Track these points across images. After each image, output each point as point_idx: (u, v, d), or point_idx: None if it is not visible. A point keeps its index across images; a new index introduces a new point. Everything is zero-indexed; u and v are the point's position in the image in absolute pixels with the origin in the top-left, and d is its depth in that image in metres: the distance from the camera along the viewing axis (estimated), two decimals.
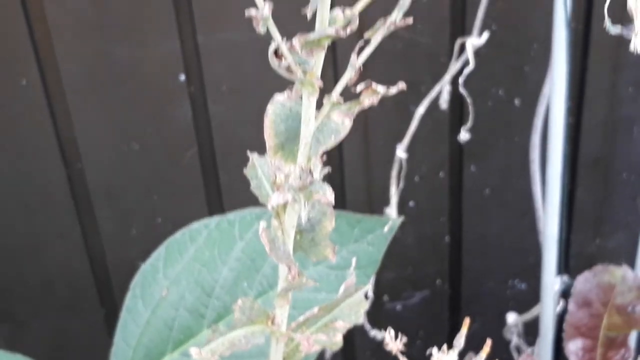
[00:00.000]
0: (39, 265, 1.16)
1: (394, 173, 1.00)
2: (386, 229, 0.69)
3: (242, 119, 1.06)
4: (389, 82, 0.44)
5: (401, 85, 0.46)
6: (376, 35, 0.44)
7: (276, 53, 0.42)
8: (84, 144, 1.06)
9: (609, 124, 1.15)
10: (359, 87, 0.46)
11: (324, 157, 0.47)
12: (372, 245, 0.69)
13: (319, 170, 0.47)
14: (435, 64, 1.04)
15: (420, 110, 0.95)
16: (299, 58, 0.43)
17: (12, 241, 1.14)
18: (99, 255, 1.16)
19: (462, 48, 0.94)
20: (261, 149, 0.48)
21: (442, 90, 0.96)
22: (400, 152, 0.96)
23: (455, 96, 1.01)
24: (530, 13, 1.04)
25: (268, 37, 0.43)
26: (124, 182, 1.10)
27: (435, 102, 0.99)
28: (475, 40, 0.89)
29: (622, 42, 1.06)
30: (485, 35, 0.90)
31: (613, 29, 0.34)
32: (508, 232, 1.23)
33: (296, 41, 0.43)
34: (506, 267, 1.27)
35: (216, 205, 1.13)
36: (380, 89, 0.46)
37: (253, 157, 0.50)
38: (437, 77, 1.03)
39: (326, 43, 0.42)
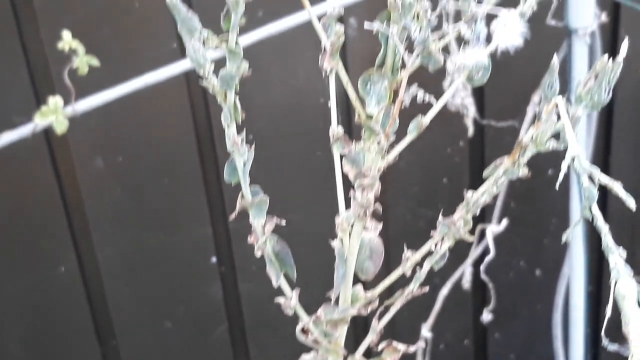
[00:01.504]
0: None
1: (420, 352, 1.02)
2: None
3: (272, 295, 1.09)
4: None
5: (421, 344, 0.49)
6: (396, 303, 0.47)
7: (303, 329, 0.46)
8: (119, 323, 1.09)
9: None
10: (381, 346, 0.49)
11: None
12: None
13: None
14: (457, 242, 1.07)
15: (444, 291, 0.98)
16: (324, 330, 0.47)
17: None
18: None
19: (483, 232, 0.98)
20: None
21: (465, 272, 0.99)
22: (425, 331, 0.99)
23: (477, 276, 1.04)
24: (547, 190, 1.08)
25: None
26: (157, 357, 1.13)
27: (458, 281, 1.02)
28: (494, 228, 0.93)
29: (639, 213, 1.09)
30: (505, 222, 0.94)
31: (610, 346, 0.37)
32: None
33: (322, 313, 0.46)
34: None
35: None
36: (401, 346, 0.49)
37: None
38: (459, 254, 1.06)
39: (349, 318, 0.46)
